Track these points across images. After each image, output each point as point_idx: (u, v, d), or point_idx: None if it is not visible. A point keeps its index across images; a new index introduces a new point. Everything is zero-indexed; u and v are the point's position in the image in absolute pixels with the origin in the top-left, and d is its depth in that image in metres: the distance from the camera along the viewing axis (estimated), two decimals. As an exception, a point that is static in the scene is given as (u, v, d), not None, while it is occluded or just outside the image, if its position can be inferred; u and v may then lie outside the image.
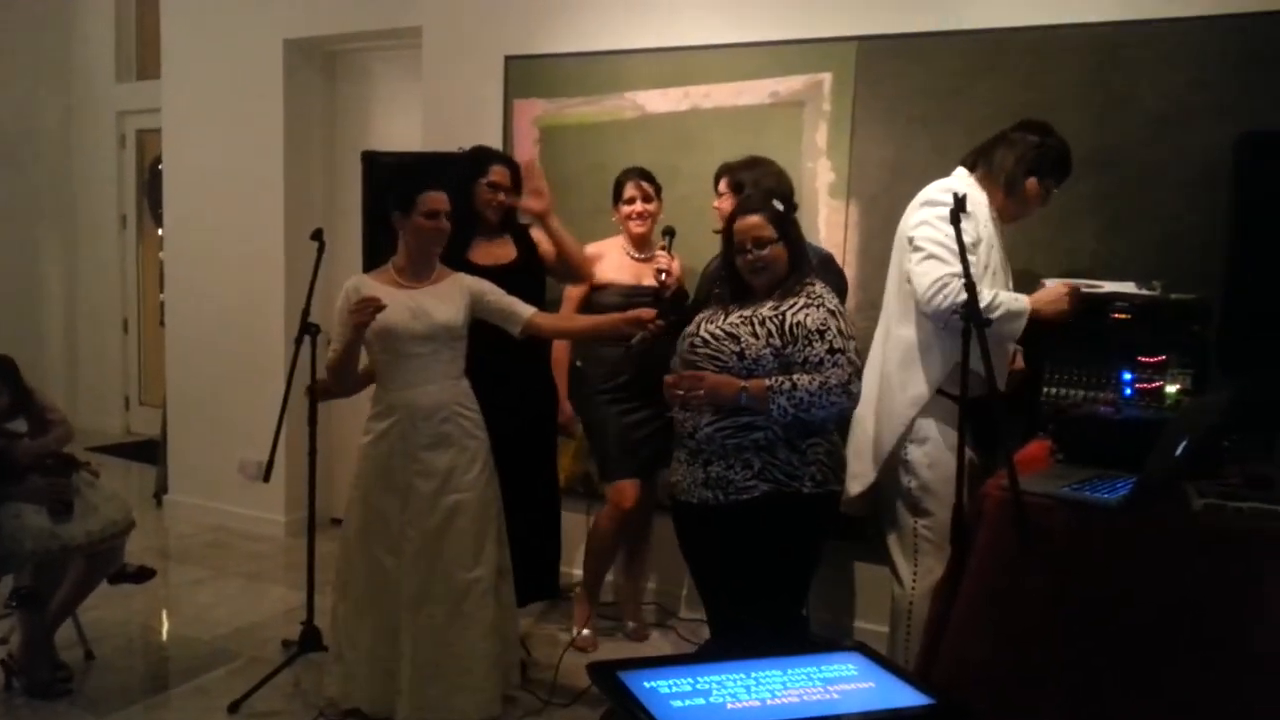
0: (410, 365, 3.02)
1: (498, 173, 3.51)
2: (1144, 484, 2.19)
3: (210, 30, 5.17)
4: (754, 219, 2.80)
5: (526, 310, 3.13)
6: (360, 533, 3.09)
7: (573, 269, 3.63)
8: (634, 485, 3.76)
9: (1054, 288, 2.90)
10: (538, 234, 3.65)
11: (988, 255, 2.91)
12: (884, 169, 3.68)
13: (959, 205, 2.53)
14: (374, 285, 3.05)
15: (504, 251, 3.54)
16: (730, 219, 2.90)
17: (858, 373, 2.71)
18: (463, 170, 3.49)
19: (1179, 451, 2.22)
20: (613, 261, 3.76)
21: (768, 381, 2.66)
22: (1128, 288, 2.90)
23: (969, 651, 2.32)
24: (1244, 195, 3.02)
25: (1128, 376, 2.76)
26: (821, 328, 2.69)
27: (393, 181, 3.28)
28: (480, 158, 3.56)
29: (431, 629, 3.01)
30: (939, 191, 2.90)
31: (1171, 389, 2.72)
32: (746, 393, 2.67)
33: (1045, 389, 2.86)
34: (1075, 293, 2.86)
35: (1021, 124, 3.00)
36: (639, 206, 3.73)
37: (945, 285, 2.77)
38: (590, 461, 4.10)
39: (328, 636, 3.38)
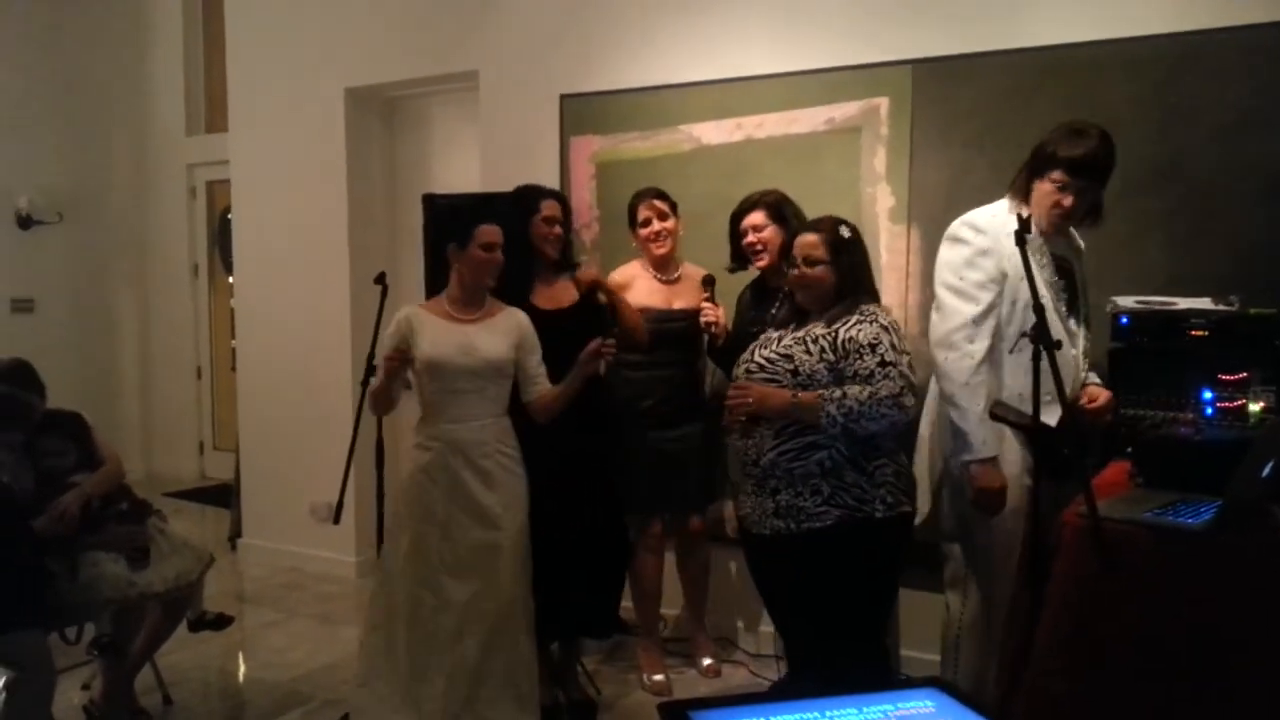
0: (457, 400, 3.04)
1: (549, 207, 3.52)
2: (1230, 507, 2.11)
3: (274, 83, 5.32)
4: (811, 237, 2.83)
5: (539, 389, 3.15)
6: (400, 567, 3.10)
7: (628, 337, 3.55)
8: (660, 518, 3.77)
9: (997, 482, 2.75)
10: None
11: (1015, 290, 2.77)
12: (944, 191, 3.63)
13: (1024, 226, 2.49)
14: (425, 317, 3.08)
15: (565, 294, 3.54)
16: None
17: (911, 387, 2.66)
18: (513, 210, 3.51)
19: (1266, 472, 2.13)
20: (641, 289, 3.73)
21: (820, 391, 2.67)
22: (1203, 304, 2.81)
23: (1051, 684, 2.25)
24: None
25: (1208, 395, 2.67)
26: (874, 341, 2.67)
27: (448, 215, 3.32)
28: (529, 195, 3.56)
29: (466, 664, 3.02)
30: (961, 225, 2.86)
31: (1255, 407, 2.62)
32: (797, 400, 2.68)
33: (1122, 410, 2.78)
34: (994, 501, 2.75)
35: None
36: (656, 226, 3.72)
37: (952, 345, 2.77)
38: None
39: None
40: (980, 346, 2.75)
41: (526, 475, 3.18)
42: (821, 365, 2.71)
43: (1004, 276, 2.77)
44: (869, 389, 2.63)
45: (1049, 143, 2.79)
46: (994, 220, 2.81)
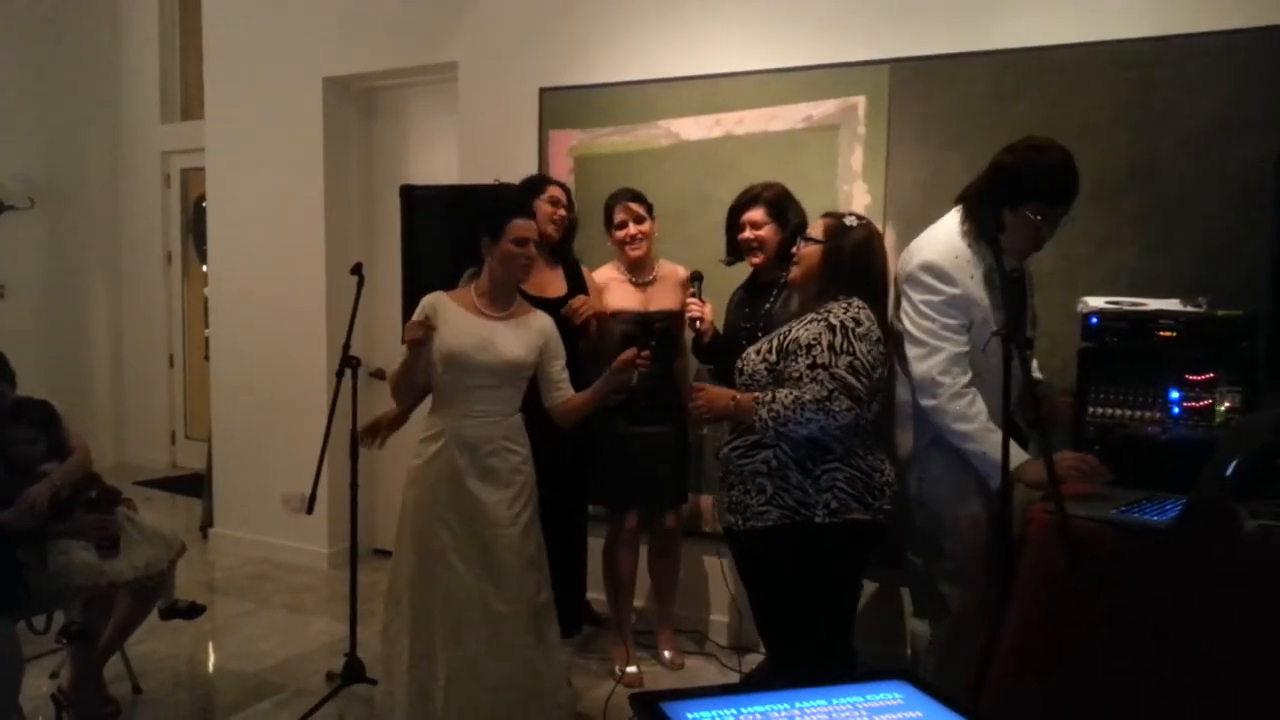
0: (468, 395, 3.00)
1: (554, 190, 3.60)
2: (1194, 505, 2.15)
3: (251, 71, 5.28)
4: (819, 220, 2.85)
5: (563, 395, 3.12)
6: (404, 557, 3.08)
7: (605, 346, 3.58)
8: (635, 513, 3.78)
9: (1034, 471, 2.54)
10: (589, 273, 3.72)
11: (980, 333, 2.71)
12: (920, 191, 3.66)
13: (997, 224, 2.50)
14: (450, 305, 3.03)
15: (554, 285, 3.55)
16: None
17: (845, 389, 2.57)
18: (520, 194, 3.53)
19: (1230, 471, 2.17)
20: (616, 292, 3.75)
21: (756, 394, 2.67)
22: (1172, 305, 2.85)
23: (1018, 681, 2.28)
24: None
25: (1175, 395, 2.70)
26: (811, 342, 2.63)
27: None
28: (536, 179, 3.67)
29: (467, 662, 2.98)
30: (928, 275, 2.73)
31: (1221, 407, 2.66)
32: (736, 403, 2.71)
33: (1090, 409, 2.81)
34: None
35: (1004, 149, 2.74)
36: (631, 229, 3.73)
37: (936, 386, 2.69)
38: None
39: (372, 669, 3.40)
40: (963, 380, 2.68)
41: (535, 474, 3.13)
42: (762, 366, 2.71)
43: (971, 324, 2.71)
44: (794, 393, 2.60)
45: (1017, 168, 2.66)
46: (957, 262, 2.71)
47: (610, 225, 3.79)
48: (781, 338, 2.72)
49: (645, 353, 2.95)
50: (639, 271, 3.80)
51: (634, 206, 3.74)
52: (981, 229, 2.68)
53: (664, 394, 3.76)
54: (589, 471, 3.76)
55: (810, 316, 2.71)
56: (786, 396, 2.60)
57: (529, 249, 3.04)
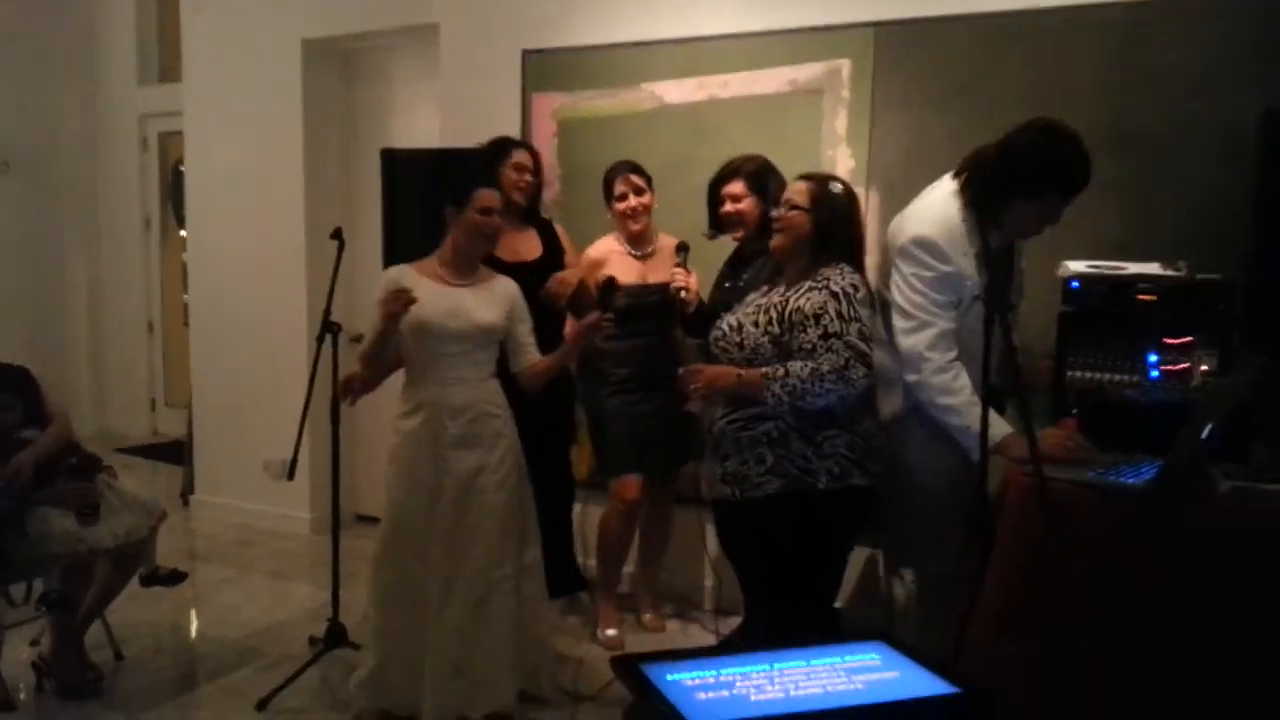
0: (441, 363, 3.00)
1: (520, 155, 3.59)
2: (1171, 467, 2.16)
3: (229, 33, 5.21)
4: (799, 184, 2.79)
5: (530, 359, 3.13)
6: (390, 534, 3.08)
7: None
8: (636, 480, 3.75)
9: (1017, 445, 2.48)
10: (563, 230, 3.71)
11: (970, 305, 2.68)
12: (904, 155, 3.64)
13: (991, 214, 2.49)
14: (415, 278, 3.01)
15: (528, 247, 3.53)
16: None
17: (859, 357, 2.58)
18: (485, 160, 3.51)
19: (1205, 434, 2.18)
20: (616, 265, 3.71)
21: (764, 370, 2.63)
22: (1152, 269, 2.85)
23: (996, 645, 2.29)
24: (1270, 171, 2.94)
25: (1154, 359, 2.71)
26: (818, 312, 2.61)
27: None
28: (501, 145, 3.64)
29: (455, 627, 2.99)
30: (921, 250, 2.67)
31: (1198, 370, 2.67)
32: (742, 380, 2.66)
33: (1070, 372, 2.82)
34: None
35: (1017, 128, 2.65)
36: (632, 201, 3.69)
37: (922, 361, 2.66)
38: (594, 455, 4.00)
39: (354, 634, 3.40)
40: (949, 355, 2.67)
41: (517, 437, 3.14)
42: (766, 339, 2.68)
43: (961, 301, 2.70)
44: (810, 365, 2.58)
45: (1034, 158, 2.60)
46: (952, 236, 2.68)
47: (610, 197, 3.75)
48: (779, 308, 2.68)
49: (609, 315, 3.01)
50: (639, 244, 3.77)
51: (634, 178, 3.71)
52: (983, 212, 2.65)
53: (664, 366, 3.75)
54: (591, 441, 3.79)
55: (808, 285, 2.68)
56: (803, 369, 2.58)
57: (494, 219, 3.04)
